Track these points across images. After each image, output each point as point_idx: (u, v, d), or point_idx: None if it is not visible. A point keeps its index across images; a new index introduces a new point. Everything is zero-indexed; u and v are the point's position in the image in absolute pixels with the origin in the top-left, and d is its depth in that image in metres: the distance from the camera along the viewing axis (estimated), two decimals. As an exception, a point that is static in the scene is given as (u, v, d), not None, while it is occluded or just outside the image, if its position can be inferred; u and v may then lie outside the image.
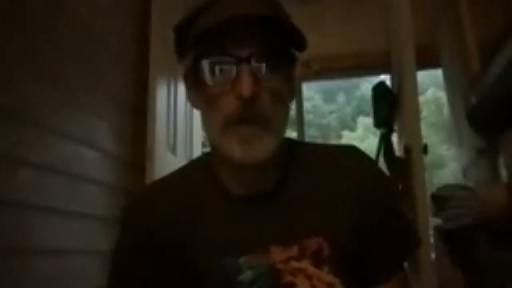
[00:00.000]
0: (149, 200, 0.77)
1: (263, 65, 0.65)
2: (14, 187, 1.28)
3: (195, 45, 0.67)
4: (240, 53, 0.64)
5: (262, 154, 0.65)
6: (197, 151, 2.54)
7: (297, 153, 0.77)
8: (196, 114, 2.55)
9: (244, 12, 0.63)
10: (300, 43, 0.68)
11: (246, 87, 0.62)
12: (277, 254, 0.68)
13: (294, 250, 0.69)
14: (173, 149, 2.23)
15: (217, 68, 0.65)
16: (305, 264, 0.68)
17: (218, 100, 0.65)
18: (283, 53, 0.68)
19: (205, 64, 0.66)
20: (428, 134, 11.07)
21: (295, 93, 0.76)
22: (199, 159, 0.82)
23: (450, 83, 2.27)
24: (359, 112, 14.43)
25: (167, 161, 2.09)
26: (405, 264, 0.79)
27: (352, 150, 0.79)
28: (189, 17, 0.69)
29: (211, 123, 0.68)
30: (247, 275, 0.67)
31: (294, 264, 0.68)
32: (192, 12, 0.69)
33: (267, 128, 0.65)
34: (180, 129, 2.32)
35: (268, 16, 0.64)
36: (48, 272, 1.39)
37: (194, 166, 0.81)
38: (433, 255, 1.64)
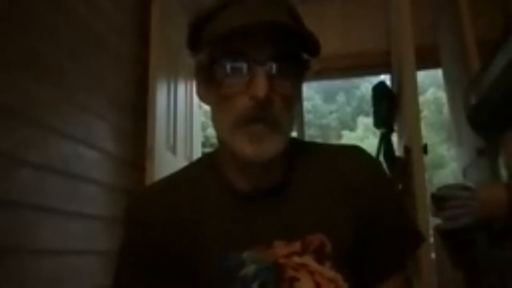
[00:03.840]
0: (147, 202, 0.78)
1: (277, 69, 0.67)
2: (14, 187, 1.28)
3: (212, 45, 0.69)
4: (257, 56, 0.66)
5: (271, 152, 0.68)
6: (197, 151, 2.54)
7: (301, 151, 0.79)
8: (196, 114, 2.55)
9: (265, 19, 0.65)
10: (314, 48, 0.70)
11: (261, 89, 0.64)
12: (280, 249, 0.70)
13: (297, 246, 0.70)
14: (173, 149, 2.23)
15: (232, 69, 0.67)
16: (307, 260, 0.69)
17: (231, 100, 0.67)
18: (296, 58, 0.70)
19: (221, 64, 0.68)
20: (428, 134, 11.08)
21: (301, 96, 0.78)
22: (201, 158, 0.84)
23: (450, 83, 2.27)
24: (359, 112, 14.45)
25: (167, 161, 2.09)
26: (408, 262, 0.79)
27: (351, 150, 0.81)
28: (205, 15, 0.71)
29: (222, 120, 0.70)
30: (250, 269, 0.68)
31: (297, 259, 0.69)
32: (209, 10, 0.71)
33: (277, 128, 0.68)
34: (180, 129, 2.32)
35: (286, 23, 0.66)
36: (48, 272, 1.39)
37: (196, 165, 0.82)
38: (433, 255, 1.64)
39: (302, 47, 0.70)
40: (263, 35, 0.66)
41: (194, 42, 0.74)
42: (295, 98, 0.72)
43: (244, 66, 0.66)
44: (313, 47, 0.69)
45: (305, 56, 0.72)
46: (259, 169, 0.71)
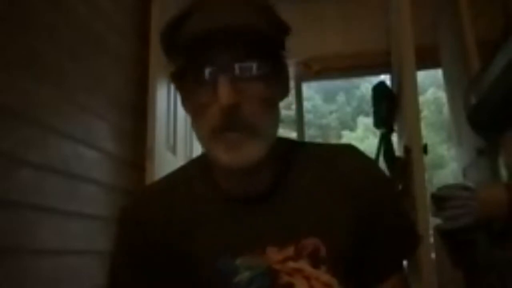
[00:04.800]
0: (147, 202, 0.77)
1: (243, 72, 0.65)
2: (14, 187, 1.28)
3: (180, 54, 0.68)
4: (221, 62, 0.64)
5: (249, 159, 0.66)
6: (197, 151, 2.54)
7: (294, 153, 0.77)
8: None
9: (223, 24, 0.63)
10: (285, 31, 0.68)
11: (223, 97, 0.62)
12: (274, 254, 0.69)
13: (291, 251, 0.69)
14: (173, 149, 2.23)
15: (199, 79, 0.66)
16: (302, 265, 0.68)
17: (204, 109, 0.66)
18: (268, 56, 0.67)
19: (191, 74, 0.66)
20: (428, 134, 11.07)
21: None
22: (198, 159, 0.83)
23: (450, 83, 2.27)
24: (359, 112, 14.43)
25: (167, 161, 2.09)
26: (404, 263, 0.79)
27: (349, 150, 0.80)
28: (173, 23, 0.69)
29: (199, 130, 0.69)
30: (245, 275, 0.67)
31: (291, 264, 0.68)
32: (176, 17, 0.68)
33: (254, 134, 0.66)
34: (180, 129, 2.32)
35: (247, 25, 0.64)
36: (48, 272, 1.39)
37: (192, 167, 0.81)
38: (433, 255, 1.64)
39: (275, 41, 0.68)
40: (228, 38, 0.64)
41: (168, 53, 0.72)
42: (276, 96, 0.71)
43: (211, 74, 0.65)
44: (281, 31, 0.67)
45: (280, 51, 0.69)
46: (245, 175, 0.70)
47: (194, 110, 0.69)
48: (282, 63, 0.71)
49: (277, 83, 0.70)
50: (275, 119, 0.70)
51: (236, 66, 0.64)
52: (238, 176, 0.71)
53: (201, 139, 0.70)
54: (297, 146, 0.80)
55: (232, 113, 0.64)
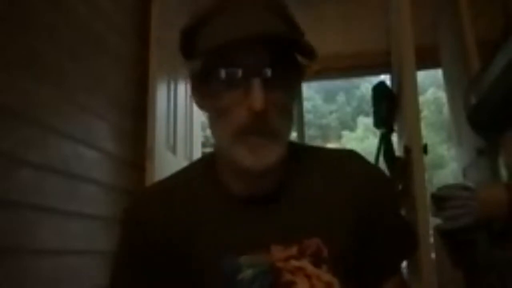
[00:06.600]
0: (147, 202, 0.78)
1: (273, 78, 0.66)
2: (14, 187, 1.28)
3: (205, 55, 0.68)
4: (252, 66, 0.65)
5: (270, 162, 0.67)
6: (197, 151, 2.54)
7: (298, 155, 0.78)
8: (196, 114, 2.55)
9: (259, 31, 0.64)
10: (310, 52, 0.68)
11: (258, 100, 0.63)
12: (277, 253, 0.69)
13: (294, 250, 0.69)
14: (173, 149, 2.23)
15: (228, 81, 0.66)
16: (305, 263, 0.69)
17: (228, 112, 0.67)
18: (292, 65, 0.69)
19: (216, 76, 0.67)
20: (428, 134, 11.09)
21: (301, 96, 0.77)
22: (200, 160, 0.83)
23: (450, 83, 2.27)
24: (359, 112, 14.45)
25: (167, 161, 2.09)
26: (403, 265, 0.80)
27: (350, 153, 0.81)
28: (197, 22, 0.70)
29: (220, 131, 0.70)
30: (247, 273, 0.68)
31: (294, 263, 0.69)
32: (200, 16, 0.69)
33: (275, 138, 0.67)
34: (180, 129, 2.32)
35: (279, 34, 0.66)
36: (48, 272, 1.39)
37: (195, 167, 0.81)
38: (433, 255, 1.64)
39: (298, 51, 0.69)
40: (257, 44, 0.65)
41: (188, 49, 0.73)
42: (292, 104, 0.72)
43: (240, 77, 0.65)
44: (308, 50, 0.68)
45: (301, 60, 0.70)
46: (256, 176, 0.71)
47: (217, 110, 0.69)
48: (299, 69, 0.72)
49: (294, 88, 0.72)
50: (291, 124, 0.72)
51: (265, 70, 0.65)
52: (251, 178, 0.72)
53: (220, 139, 0.70)
54: (300, 148, 0.81)
55: (262, 118, 0.65)
